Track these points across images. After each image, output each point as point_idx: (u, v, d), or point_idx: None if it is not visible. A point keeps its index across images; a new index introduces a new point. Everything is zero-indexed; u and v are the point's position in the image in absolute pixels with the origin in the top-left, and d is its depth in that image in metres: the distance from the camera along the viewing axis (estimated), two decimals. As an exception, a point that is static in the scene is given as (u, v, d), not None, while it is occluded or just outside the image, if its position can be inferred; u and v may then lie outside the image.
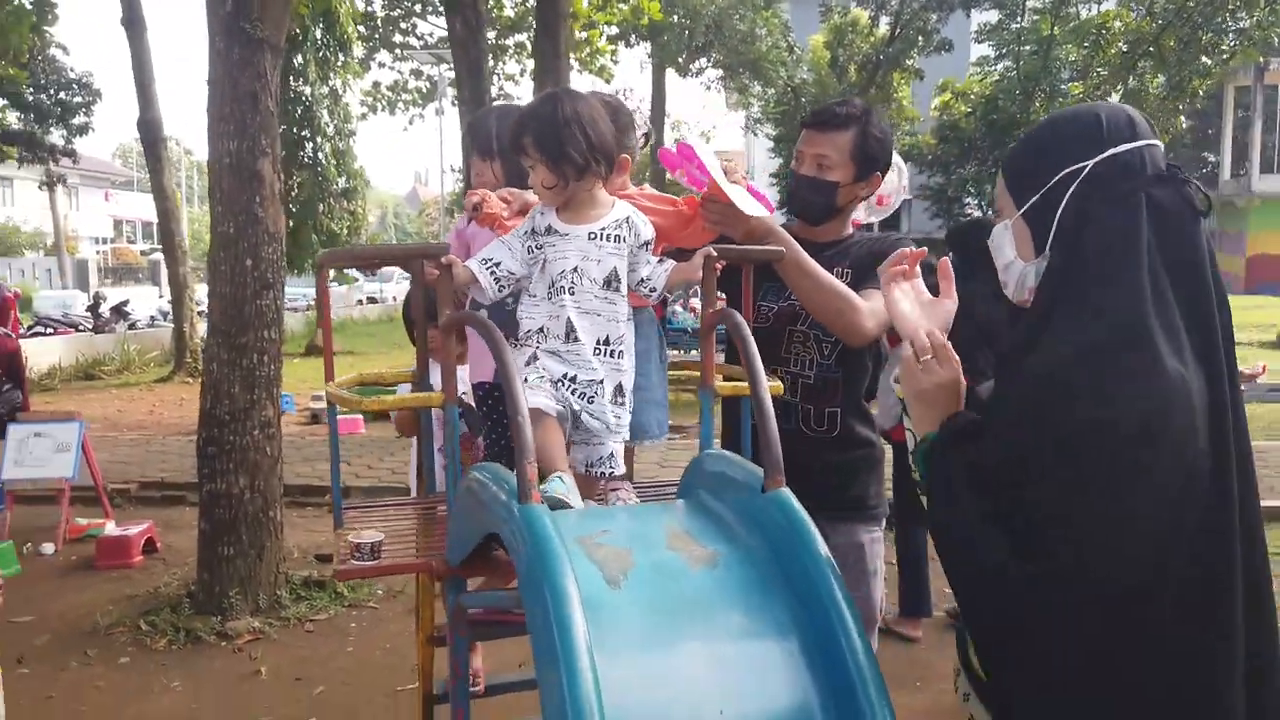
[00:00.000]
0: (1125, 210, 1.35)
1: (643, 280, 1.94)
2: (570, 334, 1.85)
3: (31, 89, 18.19)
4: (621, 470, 1.97)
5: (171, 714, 3.69)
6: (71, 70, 19.54)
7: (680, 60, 20.22)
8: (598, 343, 1.87)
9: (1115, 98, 18.71)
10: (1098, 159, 1.37)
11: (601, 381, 1.88)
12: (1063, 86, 19.49)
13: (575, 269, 1.85)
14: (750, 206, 2.06)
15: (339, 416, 2.26)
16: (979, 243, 2.21)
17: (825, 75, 20.79)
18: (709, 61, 20.66)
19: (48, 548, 5.63)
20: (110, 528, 5.68)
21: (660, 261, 1.97)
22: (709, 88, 22.51)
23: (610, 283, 1.88)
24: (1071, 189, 1.39)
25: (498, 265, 1.87)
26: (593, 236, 1.87)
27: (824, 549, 1.41)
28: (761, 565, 1.45)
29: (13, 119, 18.85)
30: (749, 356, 1.64)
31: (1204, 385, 1.30)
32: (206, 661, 4.13)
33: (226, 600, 4.44)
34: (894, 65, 20.67)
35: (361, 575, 1.92)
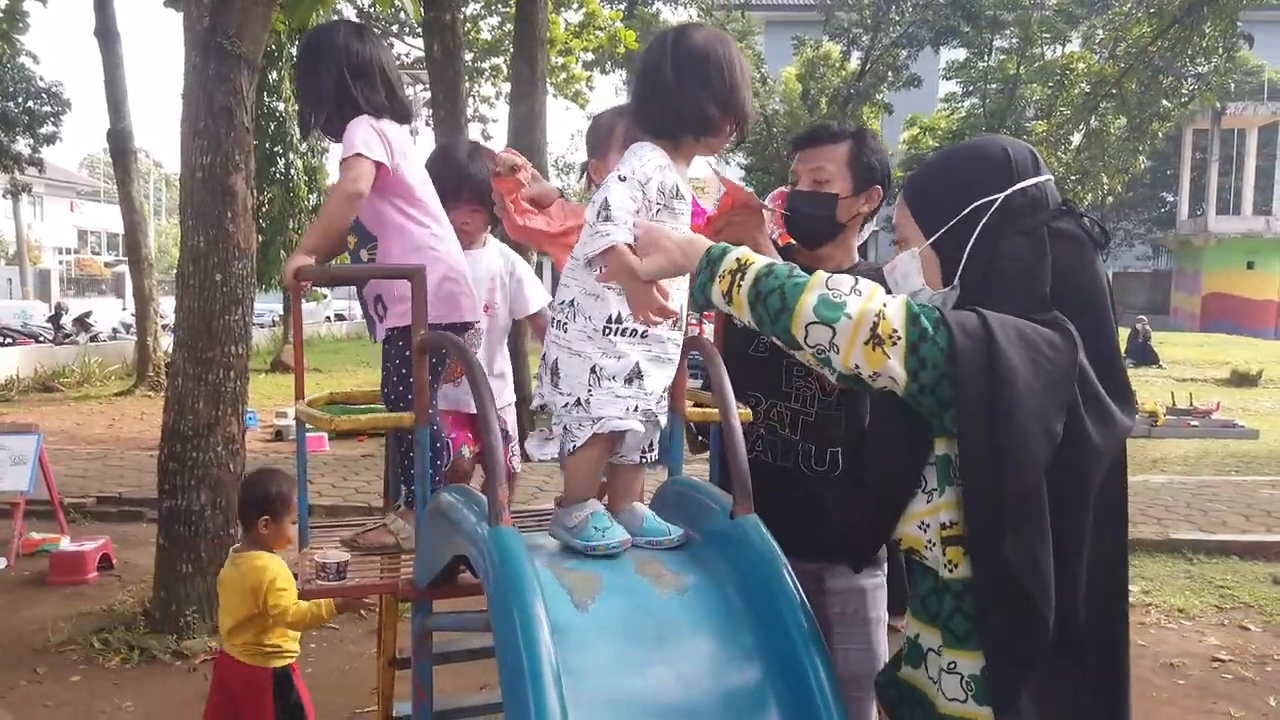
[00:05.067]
0: (1033, 240, 1.40)
1: None
2: (675, 322, 1.63)
3: (-1, 97, 17.94)
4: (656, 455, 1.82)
5: (122, 735, 3.62)
6: (41, 79, 19.25)
7: (654, 87, 20.34)
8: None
9: (1077, 138, 19.18)
10: (1009, 191, 1.42)
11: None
12: (1027, 124, 19.97)
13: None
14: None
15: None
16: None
17: (797, 107, 21.12)
18: (683, 89, 20.80)
19: (-1, 562, 5.51)
20: (65, 543, 5.55)
21: None
22: (682, 115, 22.66)
23: None
24: (984, 220, 1.42)
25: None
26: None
27: (790, 575, 1.43)
28: (729, 591, 1.47)
29: (-22, 126, 18.52)
30: (718, 383, 1.67)
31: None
32: (160, 681, 4.04)
33: (184, 619, 4.36)
34: (864, 99, 21.04)
35: (326, 595, 1.90)
